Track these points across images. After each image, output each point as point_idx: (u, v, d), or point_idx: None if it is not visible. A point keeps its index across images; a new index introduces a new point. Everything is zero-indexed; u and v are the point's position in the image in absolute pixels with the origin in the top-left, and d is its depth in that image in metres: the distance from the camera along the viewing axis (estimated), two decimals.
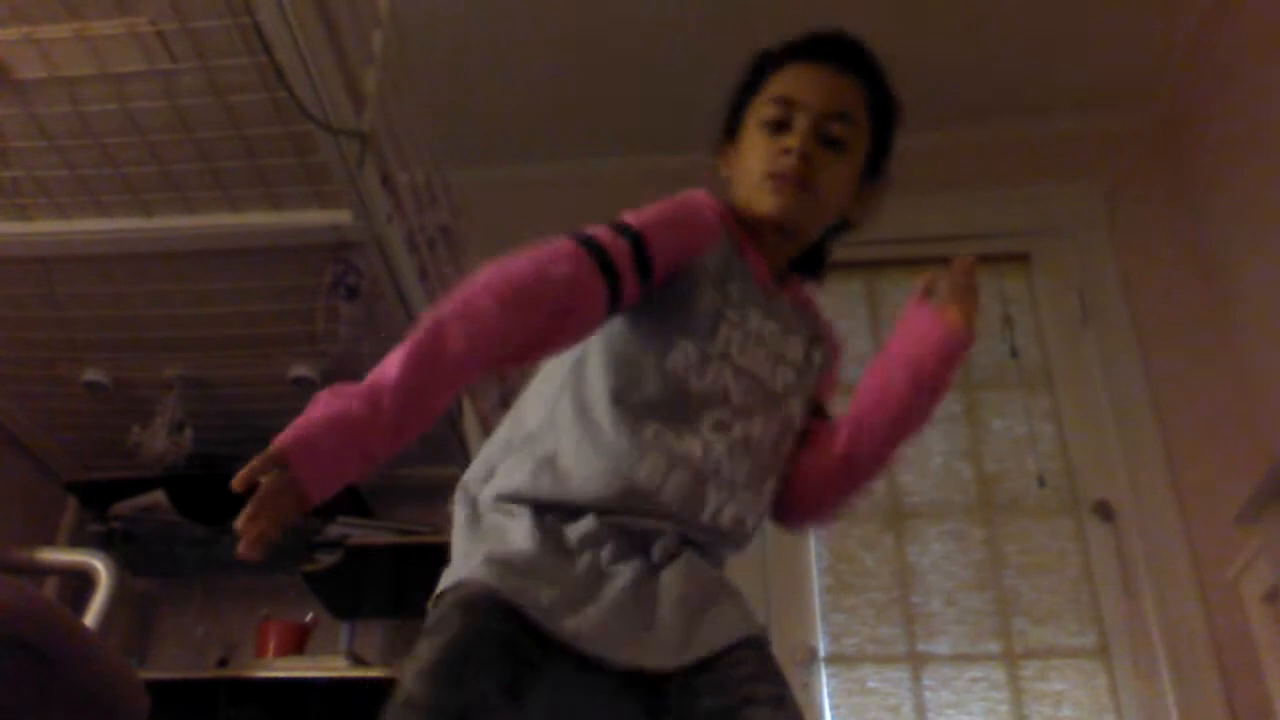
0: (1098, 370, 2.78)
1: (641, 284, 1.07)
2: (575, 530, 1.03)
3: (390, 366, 0.92)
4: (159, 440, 2.37)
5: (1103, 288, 2.86)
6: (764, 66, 1.25)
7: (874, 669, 2.55)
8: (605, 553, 1.02)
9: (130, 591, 2.58)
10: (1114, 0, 2.77)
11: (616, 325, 1.11)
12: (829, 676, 2.54)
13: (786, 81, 1.21)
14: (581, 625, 0.95)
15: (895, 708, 2.50)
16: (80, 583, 2.37)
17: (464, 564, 1.00)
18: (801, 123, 1.17)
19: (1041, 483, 2.68)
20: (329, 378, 2.39)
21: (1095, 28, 2.83)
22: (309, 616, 2.44)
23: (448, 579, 1.01)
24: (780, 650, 2.57)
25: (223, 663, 2.47)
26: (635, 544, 1.04)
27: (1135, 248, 2.89)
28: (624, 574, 1.01)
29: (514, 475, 1.07)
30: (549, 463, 1.06)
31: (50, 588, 2.54)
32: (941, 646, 2.55)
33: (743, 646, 1.00)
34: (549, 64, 2.94)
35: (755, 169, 1.18)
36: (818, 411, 1.26)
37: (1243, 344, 2.66)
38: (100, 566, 2.35)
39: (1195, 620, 2.42)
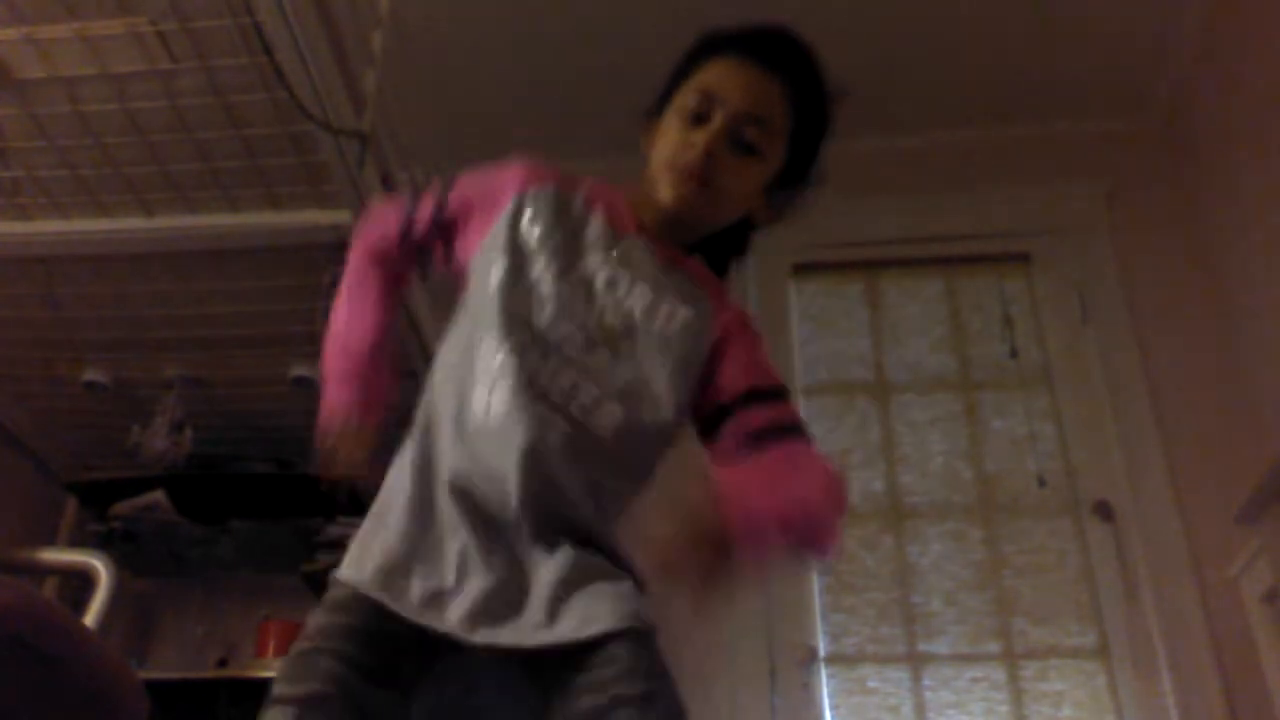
0: (1098, 370, 2.77)
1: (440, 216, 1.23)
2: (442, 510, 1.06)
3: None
4: (159, 440, 2.37)
5: (1103, 288, 2.86)
6: (701, 52, 1.24)
7: (874, 669, 2.55)
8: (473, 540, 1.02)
9: (130, 591, 2.58)
10: (1116, 2, 2.77)
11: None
12: (829, 676, 2.54)
13: (714, 74, 1.19)
14: (449, 614, 0.99)
15: (895, 708, 2.50)
16: (80, 583, 2.37)
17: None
18: (716, 120, 1.15)
19: (1041, 483, 2.68)
20: None
21: (1095, 28, 2.83)
22: (309, 616, 2.44)
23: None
24: (780, 650, 2.58)
25: (223, 663, 2.47)
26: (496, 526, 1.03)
27: (1135, 248, 2.89)
28: (492, 563, 1.01)
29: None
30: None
31: (50, 588, 2.54)
32: (941, 646, 2.55)
33: (616, 641, 0.96)
34: (549, 64, 2.94)
35: (662, 155, 1.18)
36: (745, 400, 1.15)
37: (1243, 344, 2.66)
38: (100, 566, 2.35)
39: (1195, 620, 2.42)
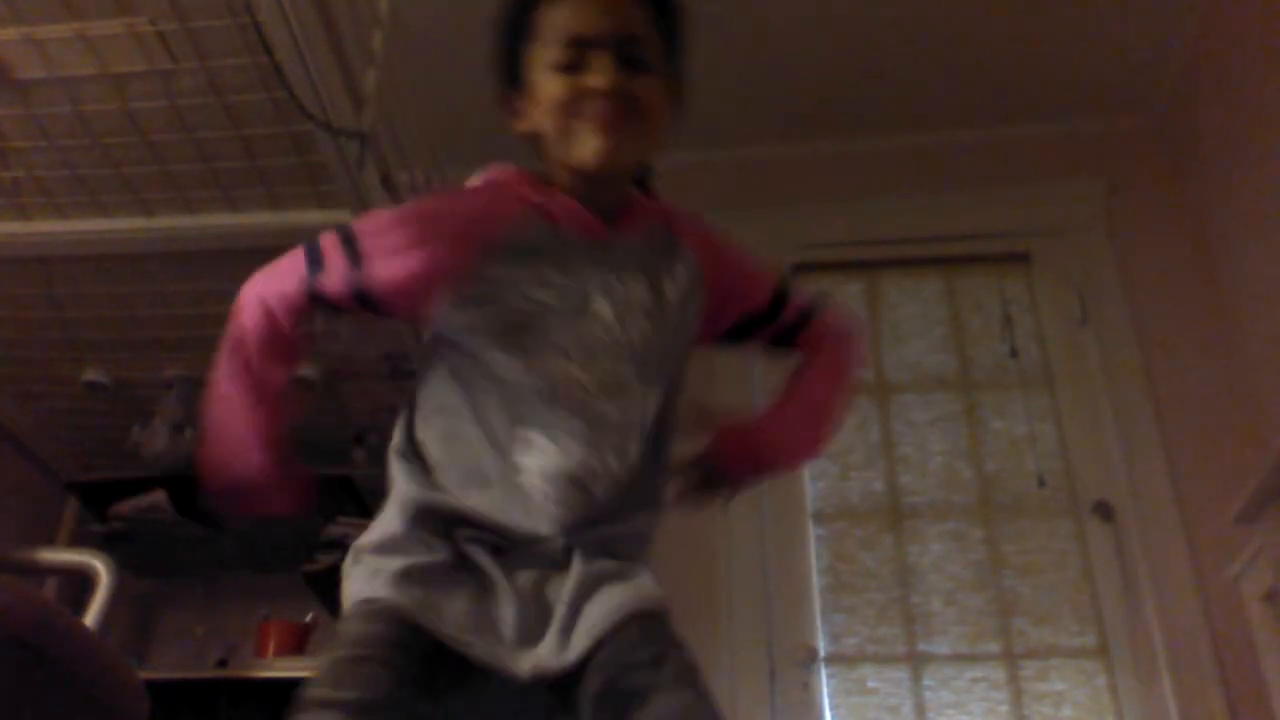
0: (1098, 370, 2.77)
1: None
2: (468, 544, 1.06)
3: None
4: (159, 440, 2.37)
5: (1103, 288, 2.86)
6: (529, 4, 1.15)
7: (874, 669, 2.55)
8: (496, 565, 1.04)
9: (130, 591, 2.58)
10: (1114, 1, 2.77)
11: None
12: (829, 676, 2.54)
13: (564, 16, 1.11)
14: (483, 639, 1.00)
15: (895, 708, 2.50)
16: (80, 583, 2.37)
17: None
18: (600, 58, 1.08)
19: (1041, 483, 2.68)
20: (329, 378, 2.40)
21: (1095, 28, 2.83)
22: (309, 616, 2.44)
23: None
24: (780, 650, 2.58)
25: (223, 663, 2.47)
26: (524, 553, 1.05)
27: (1135, 248, 2.89)
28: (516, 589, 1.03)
29: None
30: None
31: (50, 588, 2.54)
32: (941, 646, 2.55)
33: (629, 622, 0.99)
34: None
35: (560, 116, 1.09)
36: (768, 316, 1.22)
37: (1243, 344, 2.66)
38: (100, 566, 2.35)
39: (1195, 620, 2.42)
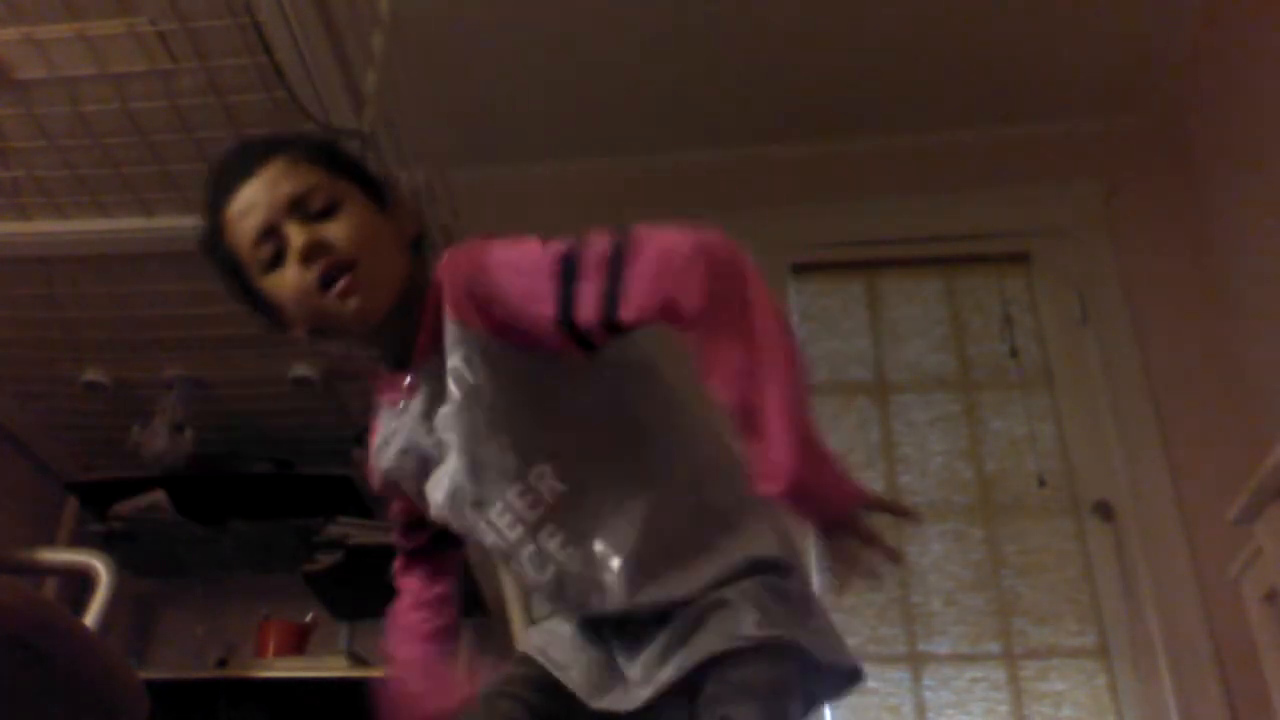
0: (1098, 370, 2.77)
1: None
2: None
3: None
4: (159, 440, 2.37)
5: (1103, 288, 2.86)
6: (214, 227, 1.13)
7: (874, 669, 2.55)
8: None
9: (130, 591, 2.58)
10: (1114, 1, 2.77)
11: None
12: None
13: (237, 219, 1.09)
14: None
15: (895, 708, 2.50)
16: (80, 583, 2.37)
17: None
18: (287, 232, 1.06)
19: (1041, 483, 2.68)
20: (329, 378, 2.40)
21: (1095, 28, 2.83)
22: (309, 616, 2.44)
23: None
24: None
25: (223, 663, 2.47)
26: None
27: (1135, 248, 2.89)
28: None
29: None
30: None
31: (50, 588, 2.54)
32: (941, 646, 2.55)
33: (720, 664, 1.04)
34: (548, 64, 2.94)
35: (305, 306, 1.08)
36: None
37: (1243, 344, 2.66)
38: (100, 566, 2.34)
39: (1195, 620, 2.42)
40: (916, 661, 2.55)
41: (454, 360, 1.05)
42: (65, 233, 2.09)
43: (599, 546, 1.09)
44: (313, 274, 1.06)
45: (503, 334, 1.04)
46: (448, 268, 1.08)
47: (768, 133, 3.12)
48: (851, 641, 2.55)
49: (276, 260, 1.08)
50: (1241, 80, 2.65)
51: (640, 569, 1.08)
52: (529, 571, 1.12)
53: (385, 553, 2.34)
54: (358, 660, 2.31)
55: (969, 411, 2.82)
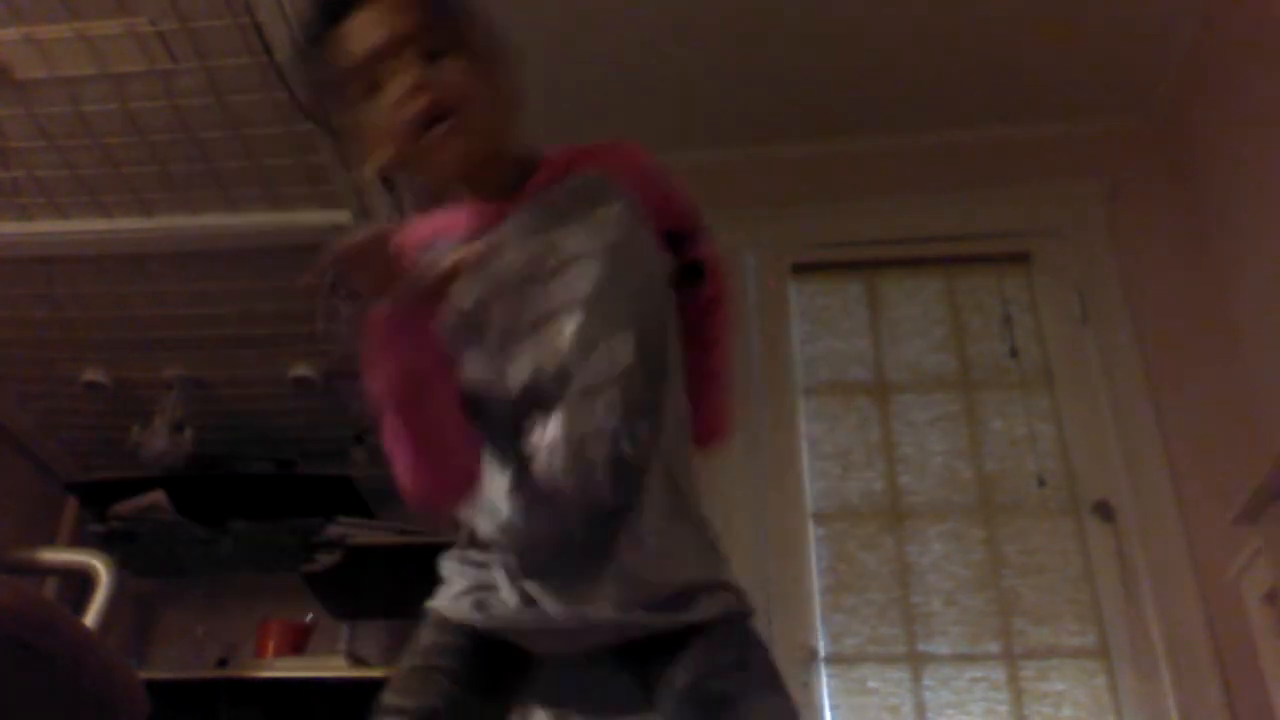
0: (1098, 370, 2.77)
1: None
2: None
3: None
4: (159, 440, 2.37)
5: (1103, 288, 2.86)
6: (317, 49, 1.13)
7: (874, 669, 2.55)
8: None
9: (130, 591, 2.58)
10: (1114, 1, 2.77)
11: None
12: (829, 676, 2.54)
13: (344, 51, 1.09)
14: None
15: (895, 708, 2.50)
16: (80, 583, 2.37)
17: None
18: (391, 66, 1.07)
19: (1041, 483, 2.68)
20: (329, 378, 2.40)
21: (1095, 27, 2.83)
22: (309, 616, 2.44)
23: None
24: (780, 650, 2.58)
25: (223, 663, 2.47)
26: None
27: (1135, 248, 2.89)
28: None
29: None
30: None
31: (50, 588, 2.54)
32: (941, 646, 2.55)
33: (713, 623, 1.06)
34: (548, 64, 2.94)
35: (400, 133, 1.07)
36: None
37: (1243, 344, 2.66)
38: (100, 566, 2.35)
39: (1195, 620, 2.42)
40: (916, 661, 2.55)
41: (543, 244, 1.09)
42: (65, 233, 2.10)
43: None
44: (416, 110, 1.06)
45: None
46: (635, 154, 1.17)
47: (768, 133, 3.12)
48: (851, 641, 2.58)
49: (373, 88, 1.08)
50: (1242, 80, 2.65)
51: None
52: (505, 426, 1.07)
53: (385, 553, 2.37)
54: (358, 660, 2.31)
55: (969, 411, 2.82)
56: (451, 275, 0.99)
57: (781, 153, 3.13)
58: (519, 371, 1.05)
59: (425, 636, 1.07)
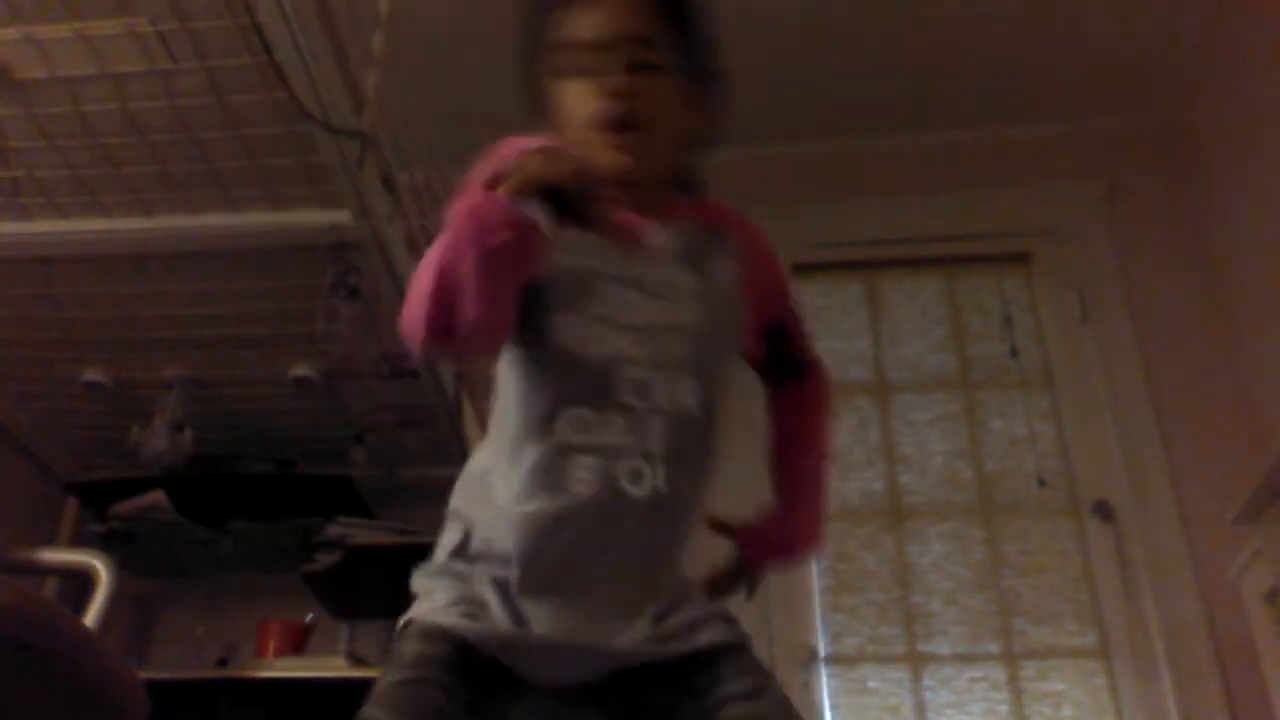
0: (1098, 370, 2.78)
1: None
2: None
3: None
4: (159, 440, 2.37)
5: (1103, 288, 2.86)
6: (542, 18, 1.15)
7: (874, 669, 2.55)
8: None
9: (130, 591, 2.58)
10: (1114, 1, 2.77)
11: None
12: (829, 676, 2.54)
13: (574, 25, 1.11)
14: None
15: (895, 708, 2.50)
16: (80, 583, 2.37)
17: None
18: (606, 59, 1.08)
19: (1041, 483, 2.68)
20: (329, 378, 2.40)
21: (1095, 27, 2.83)
22: (309, 616, 2.44)
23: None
24: (780, 650, 2.58)
25: (223, 663, 2.47)
26: None
27: (1135, 248, 2.89)
28: None
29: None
30: None
31: (50, 588, 2.54)
32: (941, 646, 2.55)
33: (716, 655, 1.02)
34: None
35: (579, 119, 1.08)
36: (783, 347, 1.23)
37: (1243, 344, 2.66)
38: (100, 566, 2.35)
39: (1195, 620, 2.42)
40: (916, 661, 2.55)
41: (721, 259, 1.13)
42: (65, 233, 2.09)
43: (661, 482, 1.02)
44: (609, 113, 1.07)
45: (751, 280, 1.15)
46: (731, 207, 1.21)
47: (768, 133, 3.12)
48: (851, 641, 2.58)
49: (579, 73, 1.09)
50: (1242, 80, 2.65)
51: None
52: (587, 435, 1.01)
53: (385, 553, 2.37)
54: (357, 660, 2.31)
55: (969, 411, 2.82)
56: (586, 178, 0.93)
57: (781, 153, 3.13)
58: (612, 368, 1.02)
59: (410, 648, 0.99)
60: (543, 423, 1.01)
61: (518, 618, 0.99)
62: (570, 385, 1.01)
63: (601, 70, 1.08)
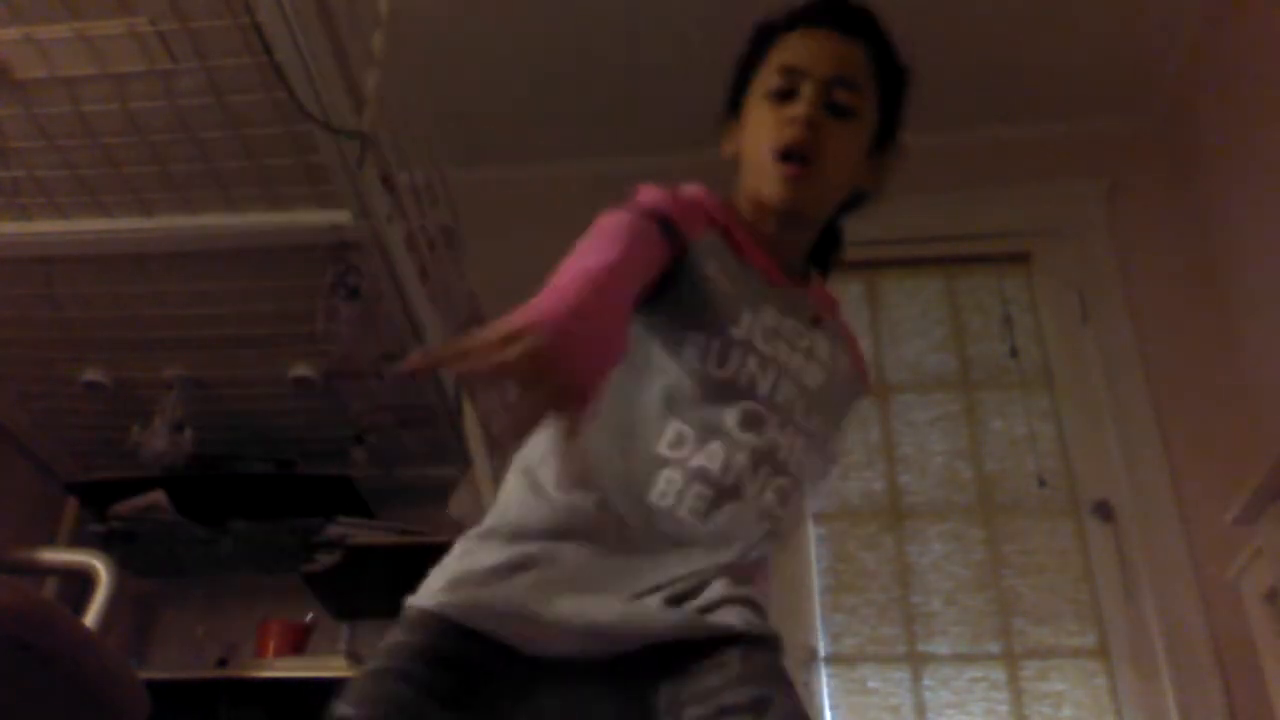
0: (1098, 370, 2.77)
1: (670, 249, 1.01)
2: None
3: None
4: (159, 440, 2.37)
5: (1103, 288, 2.86)
6: (766, 36, 1.19)
7: (874, 669, 2.55)
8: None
9: (130, 591, 2.58)
10: (1114, 1, 2.77)
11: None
12: (829, 676, 2.54)
13: (790, 50, 1.15)
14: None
15: (895, 708, 2.50)
16: (80, 583, 2.37)
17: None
18: (807, 90, 1.10)
19: (1041, 483, 2.68)
20: (329, 378, 2.40)
21: (1096, 26, 2.83)
22: (309, 616, 2.44)
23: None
24: None
25: (223, 663, 2.47)
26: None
27: (1135, 248, 2.89)
28: None
29: None
30: None
31: (50, 588, 2.54)
32: (941, 646, 2.55)
33: (731, 647, 0.94)
34: (548, 64, 2.94)
35: (762, 143, 1.11)
36: None
37: (1243, 344, 2.66)
38: (100, 566, 2.35)
39: (1195, 620, 2.42)
40: (916, 661, 2.55)
41: (841, 348, 1.16)
42: (65, 233, 2.09)
43: (758, 516, 1.02)
44: (788, 138, 1.09)
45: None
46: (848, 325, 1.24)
47: None
48: (851, 641, 2.58)
49: (780, 95, 1.12)
50: (1242, 80, 2.65)
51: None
52: (702, 460, 0.99)
53: (385, 553, 2.37)
54: (358, 660, 2.31)
55: (969, 411, 2.82)
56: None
57: None
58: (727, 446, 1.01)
59: (390, 637, 0.98)
60: (643, 428, 1.01)
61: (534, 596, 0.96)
62: (684, 402, 1.01)
63: (801, 97, 1.11)
